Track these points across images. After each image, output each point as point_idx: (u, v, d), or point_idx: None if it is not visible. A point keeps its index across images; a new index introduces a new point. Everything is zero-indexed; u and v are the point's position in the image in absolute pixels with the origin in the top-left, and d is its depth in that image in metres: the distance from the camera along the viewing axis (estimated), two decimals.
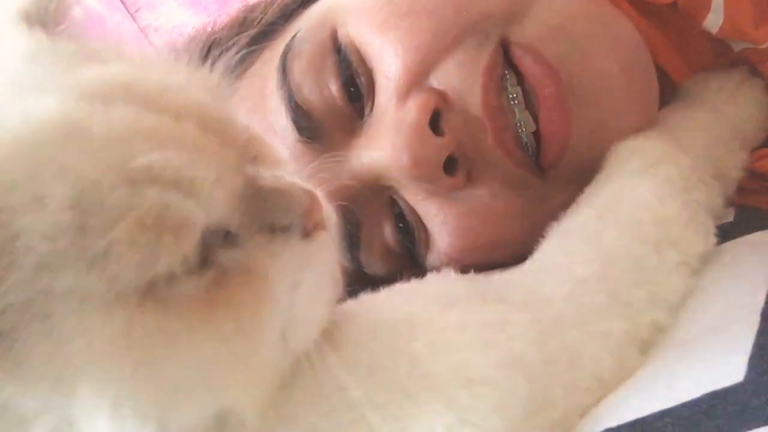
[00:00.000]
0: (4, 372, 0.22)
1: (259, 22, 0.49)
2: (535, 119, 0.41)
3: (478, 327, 0.31)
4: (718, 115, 0.45)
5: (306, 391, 0.29)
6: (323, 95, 0.43)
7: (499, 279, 0.36)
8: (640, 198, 0.37)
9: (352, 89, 0.43)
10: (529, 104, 0.41)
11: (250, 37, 0.48)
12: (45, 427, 0.23)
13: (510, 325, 0.32)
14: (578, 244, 0.36)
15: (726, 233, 0.40)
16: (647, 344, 0.34)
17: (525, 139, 0.42)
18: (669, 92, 0.49)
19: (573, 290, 0.34)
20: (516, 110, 0.41)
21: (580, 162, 0.42)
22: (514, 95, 0.41)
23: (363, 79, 0.43)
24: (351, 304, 0.34)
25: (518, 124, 0.41)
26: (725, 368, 0.29)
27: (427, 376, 0.29)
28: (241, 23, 0.50)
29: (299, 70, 0.44)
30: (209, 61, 0.50)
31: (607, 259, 0.35)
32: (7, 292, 0.22)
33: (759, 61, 0.47)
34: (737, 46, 0.48)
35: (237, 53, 0.48)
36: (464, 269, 0.44)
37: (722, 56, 0.49)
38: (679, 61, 0.48)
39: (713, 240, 0.38)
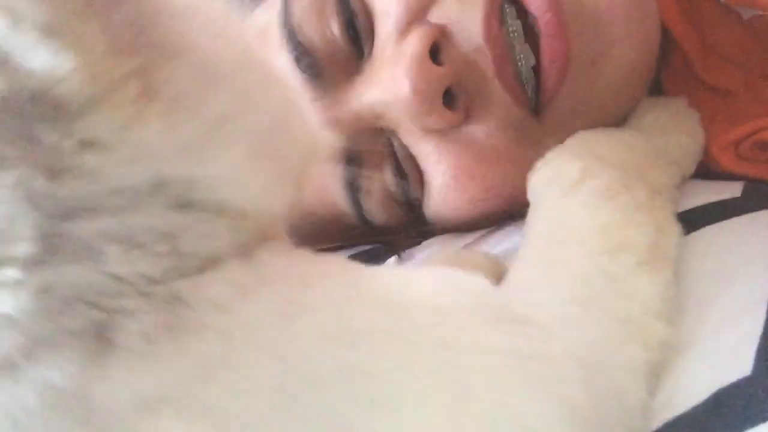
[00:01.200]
0: None
1: None
2: (535, 53, 0.41)
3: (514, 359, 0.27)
4: (646, 137, 0.43)
5: None
6: (324, 34, 0.43)
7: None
8: (573, 215, 0.35)
9: (351, 30, 0.43)
10: (529, 37, 0.41)
11: None
12: None
13: (552, 360, 0.27)
14: (543, 272, 0.33)
15: (732, 209, 0.39)
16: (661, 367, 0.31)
17: (524, 74, 0.42)
18: (670, 53, 0.48)
19: (572, 315, 0.30)
20: (516, 43, 0.41)
21: (576, 100, 0.42)
22: (514, 28, 0.41)
23: (362, 18, 0.43)
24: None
25: (518, 58, 0.41)
26: (733, 363, 0.29)
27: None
28: None
29: (300, 8, 0.44)
30: None
31: (582, 278, 0.32)
32: None
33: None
34: (746, 13, 0.47)
35: None
36: (458, 220, 0.45)
37: (730, 24, 0.48)
38: (686, 24, 0.47)
39: (673, 229, 0.36)
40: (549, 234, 0.35)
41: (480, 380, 0.25)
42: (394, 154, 0.44)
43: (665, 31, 0.47)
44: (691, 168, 0.44)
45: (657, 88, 0.50)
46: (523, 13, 0.41)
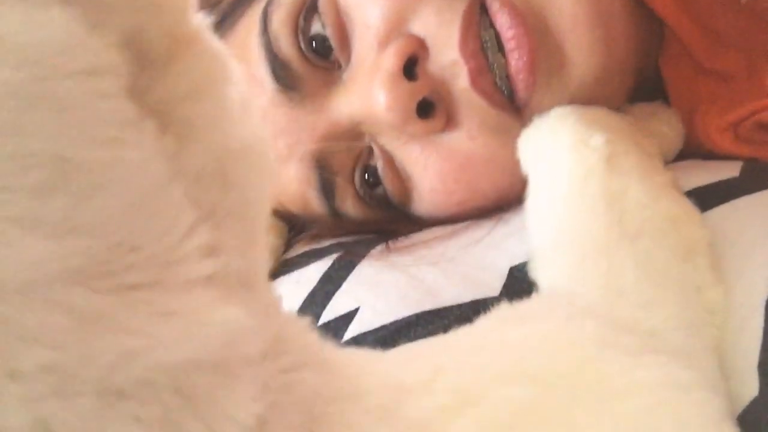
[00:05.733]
0: None
1: None
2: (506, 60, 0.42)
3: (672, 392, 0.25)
4: (629, 120, 0.44)
5: None
6: (299, 47, 0.44)
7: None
8: (635, 201, 0.35)
9: (324, 46, 0.44)
10: (501, 47, 0.42)
11: None
12: None
13: (693, 389, 0.26)
14: (638, 277, 0.31)
15: (728, 191, 0.38)
16: None
17: (499, 82, 0.42)
18: (666, 41, 0.48)
19: (689, 342, 0.29)
20: (489, 53, 0.42)
21: (554, 98, 0.42)
22: (487, 38, 0.42)
23: (336, 32, 0.44)
24: None
25: (492, 67, 0.42)
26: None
27: None
28: None
29: (278, 20, 0.44)
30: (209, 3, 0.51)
31: (682, 297, 0.31)
32: None
33: (766, 10, 0.46)
34: None
35: (230, 6, 0.49)
36: (448, 216, 0.45)
37: (728, 7, 0.47)
38: (679, 12, 0.46)
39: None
40: (615, 219, 0.34)
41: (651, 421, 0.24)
42: (366, 161, 0.45)
43: (659, 20, 0.47)
44: (671, 155, 0.45)
45: (657, 77, 0.50)
46: (493, 23, 0.42)
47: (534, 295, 0.33)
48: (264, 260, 0.21)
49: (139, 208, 0.15)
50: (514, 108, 0.43)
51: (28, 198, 0.13)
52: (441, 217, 0.46)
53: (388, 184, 0.45)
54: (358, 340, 0.36)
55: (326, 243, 0.47)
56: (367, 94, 0.43)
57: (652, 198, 0.35)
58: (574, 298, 0.30)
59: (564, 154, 0.38)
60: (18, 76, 0.13)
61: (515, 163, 0.41)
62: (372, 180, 0.46)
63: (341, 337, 0.37)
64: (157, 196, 0.16)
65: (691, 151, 0.47)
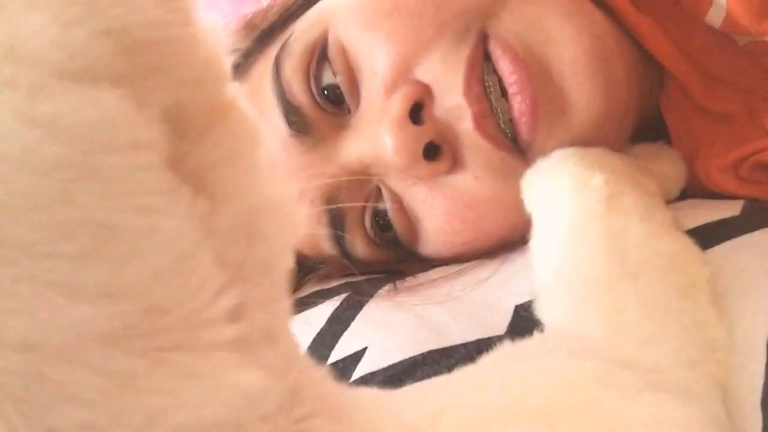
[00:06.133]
0: None
1: (263, 24, 0.51)
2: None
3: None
4: (631, 161, 0.45)
5: None
6: (310, 93, 0.46)
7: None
8: (634, 240, 0.35)
9: (334, 92, 0.46)
10: (504, 92, 0.43)
11: (254, 38, 0.50)
12: None
13: (693, 427, 0.27)
14: (638, 314, 0.32)
15: (729, 230, 0.39)
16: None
17: (503, 125, 0.44)
18: (666, 83, 0.49)
19: (689, 378, 0.30)
20: (492, 98, 0.44)
21: (557, 141, 0.43)
22: (490, 83, 0.44)
23: (345, 77, 0.45)
24: None
25: (495, 111, 0.44)
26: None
27: None
28: (248, 25, 0.52)
29: (290, 68, 0.46)
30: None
31: (683, 333, 0.32)
32: None
33: (764, 53, 0.47)
34: (742, 40, 0.48)
35: (243, 54, 0.51)
36: (454, 255, 0.46)
37: (726, 50, 0.48)
38: (677, 55, 0.48)
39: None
40: (617, 258, 0.34)
41: None
42: (374, 202, 0.47)
43: (659, 63, 0.48)
44: (673, 194, 0.46)
45: (658, 117, 0.51)
46: (495, 69, 0.44)
47: (537, 333, 0.33)
48: (287, 311, 0.21)
49: (171, 273, 0.16)
50: (517, 150, 0.44)
51: (69, 264, 0.14)
52: (448, 257, 0.47)
53: (398, 225, 0.46)
54: (366, 380, 0.37)
55: (335, 283, 0.48)
56: (375, 137, 0.44)
57: (653, 237, 0.35)
58: (575, 336, 0.31)
59: (565, 195, 0.39)
60: (69, 150, 0.14)
61: (519, 203, 0.42)
62: (381, 222, 0.47)
63: (349, 377, 0.38)
64: (189, 261, 0.16)
65: (693, 190, 0.48)
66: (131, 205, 0.15)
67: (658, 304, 0.32)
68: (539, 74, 0.43)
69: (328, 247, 0.48)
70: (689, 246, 0.36)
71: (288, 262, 0.22)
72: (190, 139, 0.17)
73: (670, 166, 0.47)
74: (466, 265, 0.45)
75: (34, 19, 0.14)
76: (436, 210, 0.45)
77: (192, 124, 0.17)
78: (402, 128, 0.43)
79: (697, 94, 0.48)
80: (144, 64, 0.16)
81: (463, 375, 0.27)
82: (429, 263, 0.47)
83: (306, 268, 0.50)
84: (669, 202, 0.45)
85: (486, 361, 0.29)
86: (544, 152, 0.43)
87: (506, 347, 0.30)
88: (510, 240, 0.45)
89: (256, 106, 0.48)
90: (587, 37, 0.44)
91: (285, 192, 0.21)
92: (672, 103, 0.50)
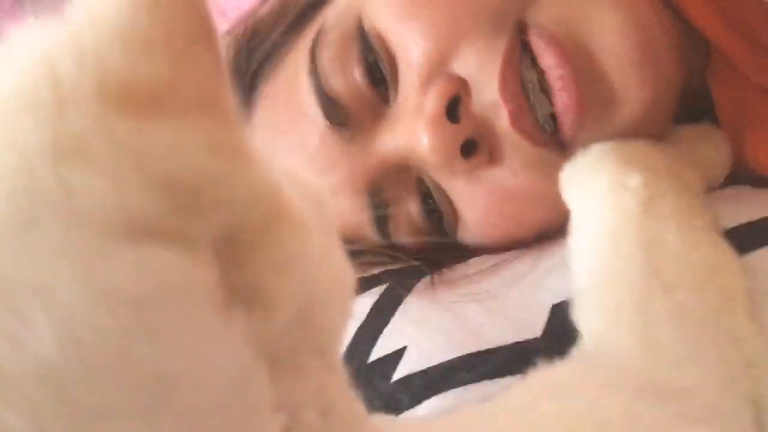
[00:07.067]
0: None
1: (294, 10, 0.50)
2: (551, 100, 0.42)
3: None
4: (673, 145, 0.44)
5: None
6: (349, 82, 0.45)
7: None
8: (671, 249, 0.35)
9: (377, 75, 0.45)
10: (545, 86, 0.42)
11: (286, 24, 0.50)
12: None
13: None
14: (676, 336, 0.32)
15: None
16: None
17: (542, 120, 0.43)
18: (714, 61, 0.47)
19: (724, 403, 0.31)
20: (531, 94, 0.42)
21: (599, 136, 0.42)
22: (529, 78, 0.43)
23: (386, 64, 0.45)
24: None
25: (534, 107, 0.43)
26: None
27: None
28: (279, 11, 0.51)
29: (327, 58, 0.46)
30: (251, 47, 0.53)
31: (721, 354, 0.32)
32: None
33: None
34: None
35: (274, 41, 0.50)
36: (494, 245, 0.47)
37: None
38: (729, 33, 0.45)
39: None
40: (653, 271, 0.34)
41: None
42: (420, 190, 0.47)
43: (706, 42, 0.46)
44: (717, 180, 0.44)
45: (706, 95, 0.49)
46: (537, 62, 0.42)
47: (572, 352, 0.34)
48: (342, 382, 0.22)
49: (230, 404, 0.17)
50: (557, 143, 0.43)
51: (136, 424, 0.15)
52: (485, 248, 0.47)
53: (440, 212, 0.47)
54: (406, 383, 0.38)
55: (374, 271, 0.49)
56: (412, 132, 0.44)
57: (689, 246, 0.35)
58: (607, 359, 0.32)
59: (602, 196, 0.39)
60: (132, 314, 0.14)
61: (558, 196, 0.42)
62: (424, 209, 0.47)
63: (390, 377, 0.39)
64: (247, 387, 0.17)
65: (739, 174, 0.46)
66: (189, 355, 0.16)
67: (692, 321, 0.32)
68: (584, 67, 0.41)
69: (370, 236, 0.48)
70: (726, 254, 0.36)
71: (341, 340, 0.22)
72: (243, 259, 0.17)
73: (714, 151, 0.46)
74: (503, 257, 0.46)
75: (89, 181, 0.14)
76: (474, 203, 0.45)
77: (244, 245, 0.17)
78: (438, 127, 0.42)
79: (744, 66, 0.46)
80: (198, 212, 0.16)
81: (495, 412, 0.28)
82: (468, 252, 0.48)
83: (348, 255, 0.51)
84: (713, 188, 0.44)
85: (518, 394, 0.30)
86: (586, 145, 0.42)
87: (538, 376, 0.31)
88: (550, 230, 0.45)
89: (292, 98, 0.48)
90: (635, 27, 0.42)
91: (339, 271, 0.21)
92: (719, 80, 0.48)
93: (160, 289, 0.15)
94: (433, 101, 0.43)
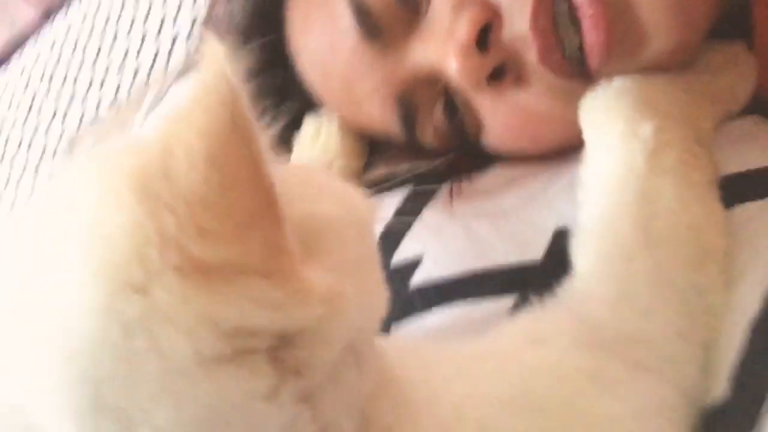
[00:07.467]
0: None
1: None
2: (580, 34, 0.43)
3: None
4: (696, 77, 0.44)
5: None
6: None
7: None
8: (666, 207, 0.38)
9: None
10: (575, 18, 0.43)
11: None
12: None
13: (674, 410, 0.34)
14: (643, 288, 0.37)
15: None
16: None
17: (569, 54, 0.44)
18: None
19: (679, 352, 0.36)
20: (560, 28, 0.43)
21: (626, 71, 0.44)
22: (560, 12, 0.43)
23: None
24: None
25: (562, 42, 0.44)
26: None
27: None
28: None
29: None
30: None
31: (684, 307, 0.37)
32: None
33: None
34: None
35: None
36: (512, 155, 0.50)
37: None
38: None
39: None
40: (642, 225, 0.38)
41: None
42: (447, 100, 0.49)
43: None
44: (738, 107, 0.46)
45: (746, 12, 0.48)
46: None
47: (563, 284, 0.39)
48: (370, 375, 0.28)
49: None
50: (583, 74, 0.44)
51: None
52: (505, 156, 0.51)
53: (465, 117, 0.49)
54: (421, 290, 0.45)
55: (400, 169, 0.53)
56: (443, 52, 0.46)
57: (683, 204, 0.39)
58: (585, 307, 0.37)
59: (613, 141, 0.41)
60: (210, 425, 0.20)
61: (578, 122, 0.44)
62: (451, 114, 0.50)
63: (408, 283, 0.46)
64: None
65: (762, 98, 0.47)
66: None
67: (667, 278, 0.37)
68: (616, 5, 0.42)
69: (398, 136, 0.52)
70: (715, 214, 0.39)
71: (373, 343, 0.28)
72: (293, 346, 0.23)
73: (738, 80, 0.46)
74: (520, 171, 0.49)
75: (174, 340, 0.20)
76: (497, 119, 0.48)
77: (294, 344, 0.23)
78: (467, 56, 0.44)
79: None
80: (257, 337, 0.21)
81: (484, 354, 0.35)
82: (488, 160, 0.52)
83: (373, 150, 0.55)
84: (732, 115, 0.46)
85: (505, 337, 0.36)
86: (610, 76, 0.44)
87: (525, 321, 0.37)
88: (567, 148, 0.48)
89: (327, 14, 0.49)
90: None
91: (376, 301, 0.27)
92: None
93: (229, 400, 0.21)
94: (465, 27, 0.44)
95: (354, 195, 0.28)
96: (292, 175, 0.26)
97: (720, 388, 0.36)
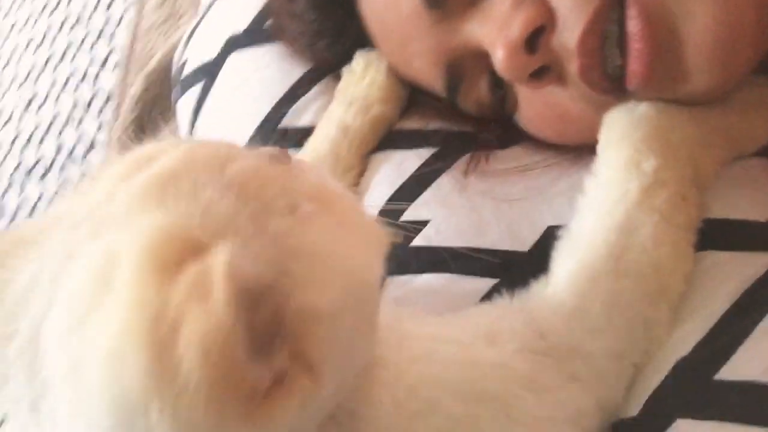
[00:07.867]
0: None
1: None
2: (623, 58, 0.45)
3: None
4: (720, 112, 0.46)
5: None
6: None
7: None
8: (640, 242, 0.42)
9: None
10: (622, 43, 0.44)
11: None
12: None
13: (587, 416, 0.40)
14: (600, 308, 0.42)
15: (744, 238, 0.44)
16: None
17: (610, 71, 0.46)
18: None
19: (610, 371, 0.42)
20: (606, 45, 0.45)
21: (662, 98, 0.46)
22: (610, 32, 0.45)
23: None
24: None
25: (605, 59, 0.46)
26: None
27: None
28: None
29: None
30: None
31: (628, 332, 0.42)
32: None
33: None
34: None
35: None
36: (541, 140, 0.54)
37: None
38: None
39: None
40: (616, 253, 0.42)
41: None
42: (491, 75, 0.51)
43: None
44: (753, 148, 0.48)
45: None
46: (624, 23, 0.43)
47: (535, 284, 0.45)
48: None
49: None
50: (618, 91, 0.46)
51: None
52: (534, 136, 0.54)
53: (506, 94, 0.53)
54: (419, 253, 0.51)
55: (432, 126, 0.57)
56: (494, 39, 0.48)
57: (656, 244, 0.42)
58: (542, 313, 0.43)
59: (618, 166, 0.45)
60: None
61: None
62: (494, 89, 0.53)
63: (411, 241, 0.52)
64: None
65: None
66: None
67: (622, 304, 0.42)
68: (665, 41, 0.43)
69: (442, 93, 0.55)
70: (684, 258, 0.43)
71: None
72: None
73: (763, 122, 0.48)
74: (536, 159, 0.53)
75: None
76: (531, 107, 0.52)
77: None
78: (514, 53, 0.47)
79: None
80: None
81: (447, 338, 0.41)
82: (515, 135, 0.55)
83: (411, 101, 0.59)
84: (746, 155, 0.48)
85: (468, 328, 0.42)
86: (643, 99, 0.46)
87: (488, 317, 0.43)
88: (588, 146, 0.50)
89: None
90: (725, 26, 0.42)
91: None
92: None
93: None
94: (519, 26, 0.46)
95: (364, 248, 0.33)
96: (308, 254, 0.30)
97: (635, 407, 0.42)
